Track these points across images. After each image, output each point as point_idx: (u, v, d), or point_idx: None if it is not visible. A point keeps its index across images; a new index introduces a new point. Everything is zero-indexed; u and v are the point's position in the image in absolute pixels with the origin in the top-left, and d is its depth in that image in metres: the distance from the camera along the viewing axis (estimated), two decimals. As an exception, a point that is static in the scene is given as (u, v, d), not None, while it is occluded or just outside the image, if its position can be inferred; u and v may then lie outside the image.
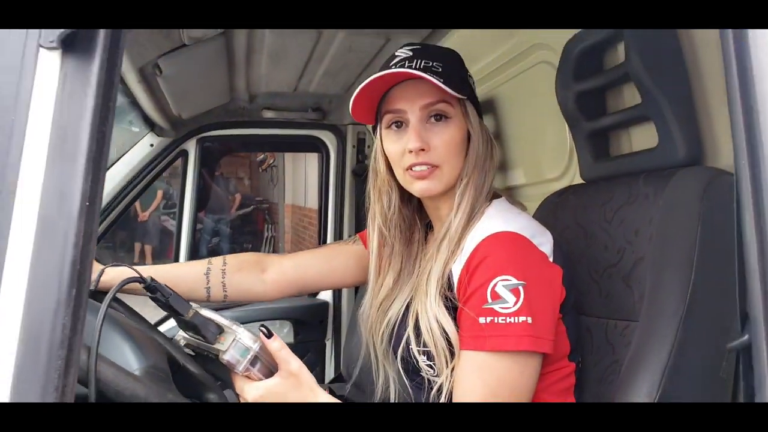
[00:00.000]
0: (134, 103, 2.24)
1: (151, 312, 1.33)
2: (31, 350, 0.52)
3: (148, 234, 8.81)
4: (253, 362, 0.95)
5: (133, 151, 2.50)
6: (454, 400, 1.02)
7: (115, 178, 2.43)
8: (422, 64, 1.09)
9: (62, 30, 0.54)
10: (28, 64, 0.55)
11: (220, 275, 1.33)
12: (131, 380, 0.80)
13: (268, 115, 2.73)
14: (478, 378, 0.98)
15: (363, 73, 2.27)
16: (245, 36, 1.90)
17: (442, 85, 1.04)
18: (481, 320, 0.97)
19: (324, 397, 1.01)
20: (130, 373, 0.82)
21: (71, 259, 0.53)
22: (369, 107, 1.17)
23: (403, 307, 1.17)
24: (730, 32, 0.63)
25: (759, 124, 0.60)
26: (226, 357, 0.94)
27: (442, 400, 1.05)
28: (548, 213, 1.41)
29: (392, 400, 1.22)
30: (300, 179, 8.89)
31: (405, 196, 1.21)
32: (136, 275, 1.04)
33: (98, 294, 1.13)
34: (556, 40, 1.45)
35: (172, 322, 2.23)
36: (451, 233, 1.09)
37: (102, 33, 0.56)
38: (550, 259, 1.06)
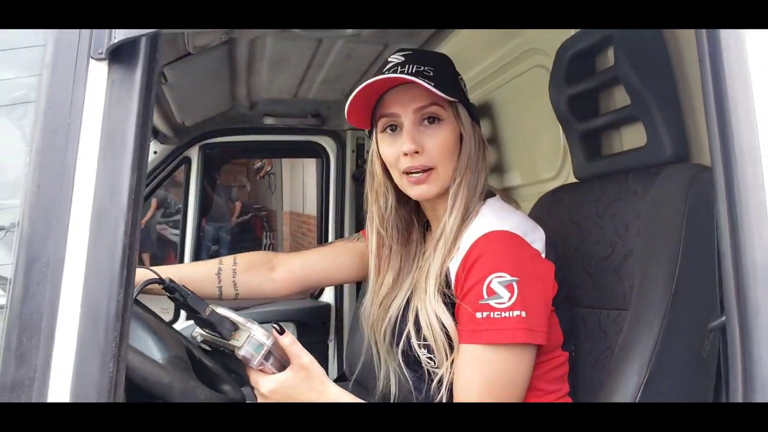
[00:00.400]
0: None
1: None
2: (91, 323, 0.59)
3: (146, 242, 8.83)
4: (266, 357, 1.00)
5: (138, 159, 2.55)
6: (454, 391, 1.07)
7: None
8: (414, 68, 1.13)
9: (110, 42, 0.61)
10: (80, 73, 0.63)
11: (231, 274, 1.38)
12: (156, 367, 0.86)
13: (269, 121, 2.78)
14: (477, 369, 1.04)
15: (361, 80, 2.31)
16: (247, 44, 1.96)
17: (433, 89, 1.09)
18: (478, 315, 1.03)
19: (333, 388, 1.06)
20: (155, 361, 0.87)
21: (122, 245, 0.60)
22: (364, 112, 1.21)
23: (403, 304, 1.22)
24: (704, 32, 0.69)
25: (731, 121, 0.66)
26: (241, 352, 0.99)
27: (443, 391, 1.11)
28: (543, 211, 1.47)
29: (393, 394, 1.27)
30: (298, 186, 8.94)
31: (402, 197, 1.25)
32: (156, 277, 1.09)
33: None
34: (550, 44, 1.52)
35: (182, 323, 2.28)
36: (446, 233, 1.14)
37: (143, 43, 0.63)
38: (543, 255, 1.11)
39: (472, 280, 1.06)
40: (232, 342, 1.00)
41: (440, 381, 1.11)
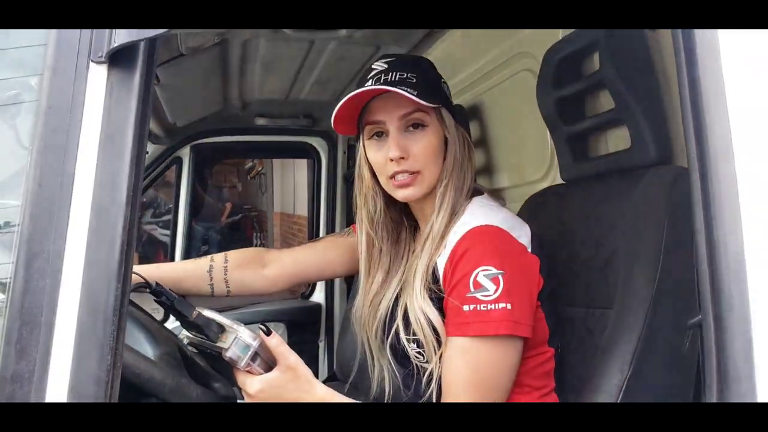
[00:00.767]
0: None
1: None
2: (90, 317, 0.61)
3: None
4: (253, 358, 1.01)
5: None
6: (443, 383, 1.10)
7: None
8: (397, 76, 1.16)
9: (109, 46, 0.63)
10: (80, 76, 0.65)
11: (222, 272, 1.40)
12: (149, 364, 0.87)
13: (261, 122, 2.80)
14: (464, 361, 1.07)
15: (353, 81, 2.35)
16: (240, 45, 1.98)
17: (415, 98, 1.11)
18: (465, 308, 1.05)
19: (320, 387, 1.08)
20: (148, 358, 0.89)
21: (120, 241, 0.62)
22: (350, 120, 1.24)
23: (392, 301, 1.25)
24: (680, 35, 0.71)
25: (706, 122, 0.68)
26: (228, 354, 1.00)
27: (432, 386, 1.13)
28: (531, 212, 1.49)
29: (387, 392, 1.29)
30: (288, 187, 8.94)
31: (390, 199, 1.27)
32: (143, 281, 1.11)
33: None
34: (538, 48, 1.54)
35: (173, 322, 2.29)
36: (434, 232, 1.17)
37: (141, 47, 0.65)
38: (528, 250, 1.14)
39: (459, 274, 1.08)
40: (219, 344, 1.01)
41: (429, 376, 1.13)
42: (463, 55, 1.97)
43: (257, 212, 10.65)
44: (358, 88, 1.16)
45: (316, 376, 1.10)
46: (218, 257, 1.43)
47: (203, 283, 1.39)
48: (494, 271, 1.05)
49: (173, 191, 2.85)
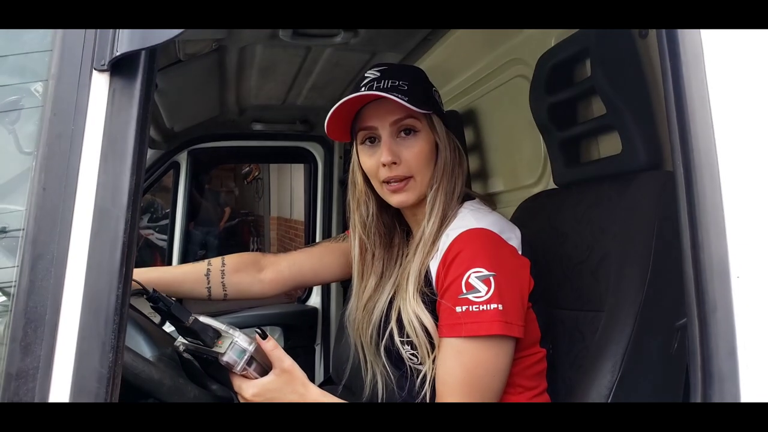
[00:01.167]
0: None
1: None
2: (92, 316, 0.63)
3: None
4: (249, 362, 1.03)
5: (127, 163, 2.57)
6: (436, 383, 1.11)
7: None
8: (389, 83, 1.18)
9: (112, 55, 0.65)
10: (83, 83, 0.67)
11: (219, 275, 1.41)
12: (147, 364, 0.89)
13: (258, 127, 2.81)
14: (457, 361, 1.08)
15: (349, 87, 2.37)
16: (237, 52, 2.00)
17: (406, 104, 1.14)
18: (458, 309, 1.08)
19: (315, 390, 1.10)
20: (146, 359, 0.90)
21: (122, 243, 0.64)
22: (344, 125, 1.26)
23: (386, 305, 1.26)
24: (665, 44, 0.74)
25: (690, 129, 0.70)
26: (225, 358, 1.01)
27: (426, 387, 1.15)
28: (524, 216, 1.51)
29: (379, 395, 1.31)
30: (285, 191, 8.96)
31: (383, 204, 1.30)
32: (140, 287, 1.12)
33: None
34: (530, 55, 1.57)
35: (167, 327, 2.30)
36: (425, 236, 1.19)
37: (142, 56, 0.67)
38: (519, 252, 1.16)
39: (451, 276, 1.10)
40: (216, 349, 1.02)
41: (423, 378, 1.15)
42: (457, 61, 1.99)
43: (254, 217, 10.65)
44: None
45: (313, 379, 1.11)
46: (215, 261, 1.44)
47: (200, 286, 1.41)
48: (486, 272, 1.07)
49: (170, 196, 2.86)
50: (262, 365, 1.06)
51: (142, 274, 1.35)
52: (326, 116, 1.20)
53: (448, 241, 1.14)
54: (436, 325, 1.14)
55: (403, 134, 1.20)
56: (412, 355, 1.19)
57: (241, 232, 10.55)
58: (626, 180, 1.25)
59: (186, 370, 1.05)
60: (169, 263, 2.82)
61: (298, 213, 7.82)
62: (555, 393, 1.25)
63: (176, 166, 2.75)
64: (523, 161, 1.84)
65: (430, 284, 1.16)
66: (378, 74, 1.21)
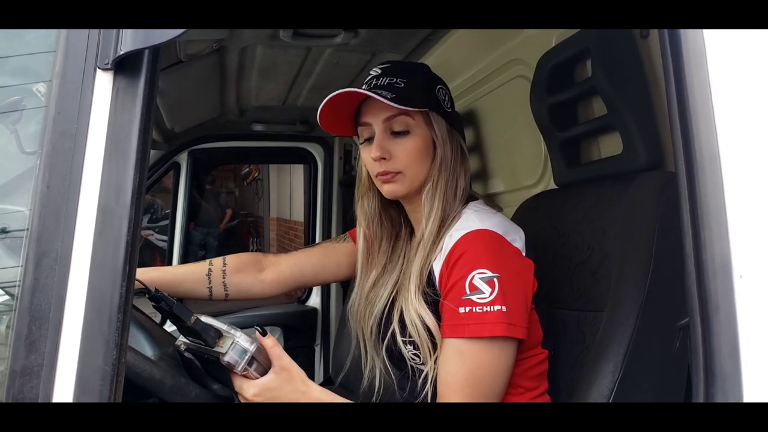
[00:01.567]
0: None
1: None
2: (96, 314, 0.64)
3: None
4: (250, 362, 1.03)
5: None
6: (438, 384, 1.11)
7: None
8: (386, 81, 1.21)
9: (116, 54, 0.66)
10: (87, 82, 0.67)
11: (220, 275, 1.42)
12: (149, 364, 0.89)
13: (258, 128, 2.81)
14: (459, 362, 1.08)
15: (349, 87, 2.37)
16: (237, 52, 2.00)
17: (389, 102, 1.15)
18: (461, 310, 1.08)
19: (316, 388, 1.10)
20: (148, 358, 0.90)
21: (125, 241, 0.65)
22: (347, 120, 1.28)
23: (389, 303, 1.27)
24: (667, 42, 0.74)
25: (692, 128, 0.70)
26: (226, 358, 1.02)
27: (428, 387, 1.15)
28: (525, 216, 1.51)
29: (377, 388, 1.31)
30: (285, 192, 8.96)
31: (387, 199, 1.30)
32: (142, 287, 1.12)
33: None
34: (531, 55, 1.57)
35: (168, 326, 2.30)
36: (425, 238, 1.20)
37: (146, 55, 0.67)
38: (523, 254, 1.16)
39: (455, 277, 1.10)
40: (217, 349, 1.03)
41: (425, 379, 1.15)
42: (457, 61, 2.00)
43: (254, 218, 10.65)
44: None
45: (313, 379, 1.11)
46: (217, 261, 1.45)
47: (202, 286, 1.41)
48: (490, 274, 1.07)
49: (171, 196, 2.86)
50: (263, 365, 1.06)
51: (143, 274, 1.35)
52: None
53: (452, 241, 1.14)
54: (439, 325, 1.14)
55: (396, 131, 1.21)
56: (415, 355, 1.19)
57: (241, 233, 10.54)
58: (627, 180, 1.25)
59: (187, 369, 1.05)
60: (169, 264, 2.81)
61: (298, 214, 7.83)
62: (556, 394, 1.25)
63: (176, 167, 2.75)
64: (524, 162, 1.84)
65: (434, 284, 1.16)
66: (379, 71, 1.24)
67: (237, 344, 1.02)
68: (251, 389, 1.04)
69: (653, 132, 1.27)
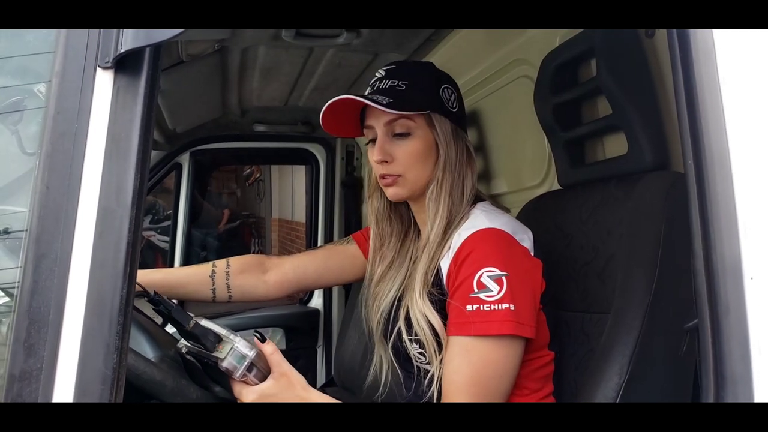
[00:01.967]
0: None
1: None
2: (96, 317, 0.63)
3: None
4: (249, 369, 1.02)
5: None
6: (443, 382, 1.10)
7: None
8: (388, 84, 1.21)
9: (116, 52, 0.65)
10: (87, 81, 0.66)
11: (224, 277, 1.41)
12: (149, 366, 0.88)
13: (259, 128, 2.81)
14: (465, 359, 1.07)
15: (351, 88, 2.37)
16: (239, 53, 1.99)
17: (384, 109, 1.15)
18: (468, 308, 1.07)
19: (316, 394, 1.09)
20: (149, 360, 0.90)
21: (126, 242, 0.64)
22: (353, 122, 1.28)
23: (395, 301, 1.26)
24: (676, 40, 0.73)
25: (702, 127, 0.69)
26: (224, 364, 1.00)
27: (433, 387, 1.14)
28: (529, 217, 1.50)
29: (382, 382, 1.31)
30: (287, 193, 8.96)
31: None
32: (141, 290, 1.11)
33: None
34: (535, 55, 1.56)
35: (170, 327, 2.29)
36: (431, 239, 1.19)
37: (146, 53, 0.66)
38: (531, 253, 1.16)
39: (463, 275, 1.09)
40: (216, 354, 1.01)
41: (431, 379, 1.14)
42: (460, 62, 1.98)
43: (255, 218, 10.65)
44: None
45: (315, 381, 1.11)
46: (220, 263, 1.44)
47: (205, 288, 1.41)
48: (498, 272, 1.06)
49: (173, 197, 2.85)
50: (263, 372, 1.05)
51: (146, 276, 1.34)
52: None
53: (460, 240, 1.14)
54: (444, 325, 1.13)
55: (397, 134, 1.21)
56: (420, 354, 1.18)
57: (242, 234, 10.54)
58: (632, 180, 1.24)
59: (189, 371, 1.04)
60: (171, 265, 2.81)
61: (300, 215, 7.82)
62: (560, 396, 1.24)
63: (178, 168, 2.75)
64: (527, 162, 1.83)
65: (441, 283, 1.16)
66: (383, 74, 1.24)
67: (236, 350, 1.01)
68: (250, 395, 1.03)
69: (659, 132, 1.26)
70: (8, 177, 0.94)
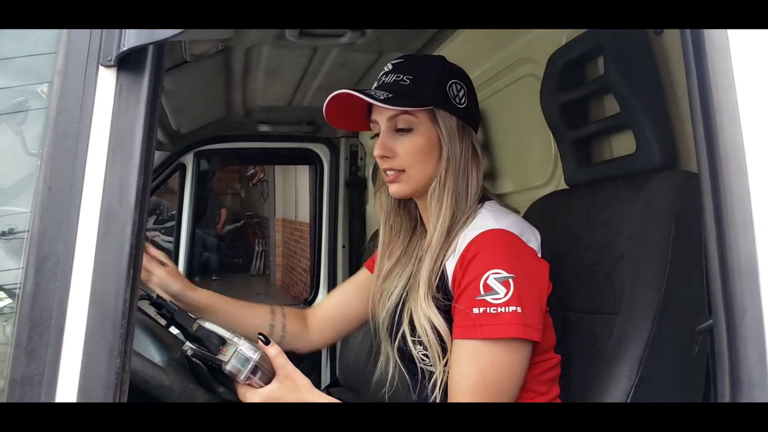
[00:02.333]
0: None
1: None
2: (99, 320, 0.62)
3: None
4: (253, 371, 1.01)
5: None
6: (449, 385, 1.09)
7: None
8: (393, 78, 1.20)
9: (119, 50, 0.63)
10: (90, 79, 0.65)
11: (282, 316, 1.43)
12: (157, 370, 0.87)
13: (263, 128, 2.80)
14: (472, 363, 1.06)
15: (357, 87, 2.35)
16: (243, 53, 1.99)
17: (381, 104, 1.14)
18: (475, 311, 1.05)
19: (321, 396, 1.08)
20: (156, 364, 0.89)
21: (129, 244, 0.62)
22: (362, 116, 1.27)
23: (400, 299, 1.25)
24: (689, 37, 0.71)
25: (716, 125, 0.68)
26: (228, 367, 1.00)
27: (437, 391, 1.12)
28: (535, 217, 1.48)
29: (389, 379, 1.30)
30: (290, 193, 8.96)
31: None
32: (143, 293, 1.11)
33: None
34: (541, 54, 1.55)
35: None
36: (433, 243, 1.17)
37: (149, 51, 0.65)
38: (539, 255, 1.14)
39: (469, 276, 1.08)
40: (220, 356, 1.01)
41: (434, 384, 1.13)
42: (465, 60, 1.95)
43: (259, 219, 10.67)
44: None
45: (319, 382, 1.10)
46: (277, 308, 1.46)
47: (264, 323, 1.41)
48: (505, 274, 1.05)
49: (177, 198, 2.85)
50: (268, 374, 1.04)
51: (211, 298, 1.37)
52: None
53: (466, 241, 1.12)
54: (449, 329, 1.11)
55: (398, 129, 1.20)
56: (424, 356, 1.17)
57: (246, 234, 10.57)
58: (641, 180, 1.22)
59: (195, 374, 1.04)
60: (175, 265, 2.80)
61: (303, 215, 7.82)
62: (568, 398, 1.22)
63: (182, 168, 2.74)
64: (533, 161, 1.82)
65: (446, 286, 1.14)
66: (390, 68, 1.23)
67: (240, 352, 1.00)
68: (255, 398, 1.02)
69: (668, 130, 1.25)
70: (13, 178, 0.94)
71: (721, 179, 0.67)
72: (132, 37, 0.65)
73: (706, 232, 0.70)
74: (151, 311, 1.25)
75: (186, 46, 1.78)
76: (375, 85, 1.23)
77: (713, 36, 0.70)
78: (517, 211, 1.27)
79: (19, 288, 0.63)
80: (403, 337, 1.19)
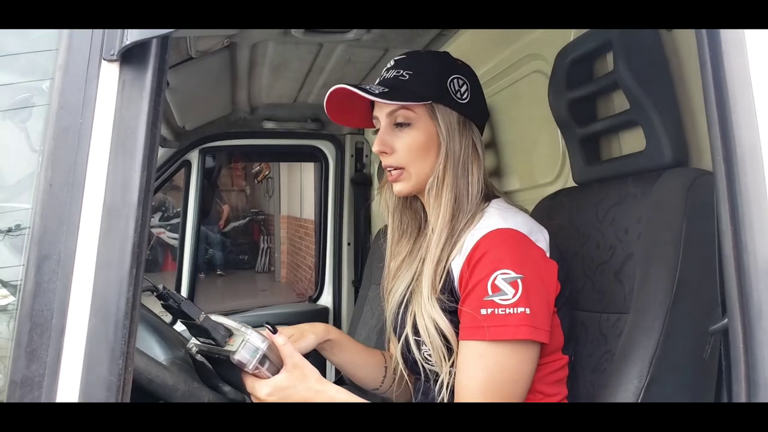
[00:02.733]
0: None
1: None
2: (101, 320, 0.60)
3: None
4: (262, 361, 1.00)
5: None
6: (456, 387, 1.08)
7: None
8: (393, 74, 1.19)
9: (121, 44, 0.62)
10: (92, 74, 0.64)
11: (390, 360, 1.39)
12: (161, 369, 0.86)
13: (269, 125, 2.80)
14: (480, 365, 1.04)
15: (361, 83, 2.34)
16: (248, 49, 1.98)
17: (377, 99, 1.13)
18: (482, 312, 1.04)
19: (330, 386, 1.06)
20: (160, 363, 0.88)
21: (132, 242, 0.61)
22: (366, 114, 1.25)
23: (403, 302, 1.23)
24: (704, 33, 0.69)
25: (732, 122, 0.66)
26: (236, 357, 0.98)
27: (444, 393, 1.11)
28: (543, 215, 1.47)
29: (396, 380, 1.30)
30: (295, 190, 8.96)
31: None
32: (150, 285, 1.09)
33: None
34: (548, 50, 1.53)
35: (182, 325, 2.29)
36: (434, 240, 1.15)
37: (153, 45, 0.64)
38: (547, 255, 1.12)
39: (476, 277, 1.06)
40: (227, 347, 1.00)
41: (440, 386, 1.12)
42: (472, 57, 1.94)
43: (264, 216, 10.68)
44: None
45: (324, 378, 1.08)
46: (387, 354, 1.43)
47: (378, 371, 1.40)
48: (513, 274, 1.03)
49: (182, 194, 2.85)
50: (276, 364, 1.03)
51: (341, 337, 1.38)
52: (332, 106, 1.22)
53: (473, 241, 1.10)
54: (454, 330, 1.10)
55: (397, 125, 1.19)
56: (429, 356, 1.15)
57: (252, 231, 10.58)
58: (651, 177, 1.21)
59: (199, 373, 1.03)
60: (181, 262, 2.80)
61: (308, 212, 7.82)
62: (576, 399, 1.21)
63: (188, 165, 2.74)
64: (541, 159, 1.80)
65: (452, 287, 1.12)
66: (392, 64, 1.22)
67: (248, 342, 0.99)
68: (264, 389, 1.01)
69: (678, 127, 1.23)
70: (18, 174, 0.93)
71: (737, 177, 0.66)
72: (135, 32, 0.63)
73: (721, 232, 0.68)
74: (156, 309, 1.24)
75: (191, 42, 1.77)
76: (377, 81, 1.22)
77: (729, 32, 0.68)
78: (525, 210, 1.25)
79: (19, 287, 0.62)
80: (407, 337, 1.18)
